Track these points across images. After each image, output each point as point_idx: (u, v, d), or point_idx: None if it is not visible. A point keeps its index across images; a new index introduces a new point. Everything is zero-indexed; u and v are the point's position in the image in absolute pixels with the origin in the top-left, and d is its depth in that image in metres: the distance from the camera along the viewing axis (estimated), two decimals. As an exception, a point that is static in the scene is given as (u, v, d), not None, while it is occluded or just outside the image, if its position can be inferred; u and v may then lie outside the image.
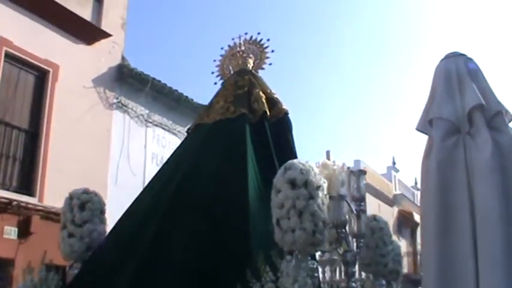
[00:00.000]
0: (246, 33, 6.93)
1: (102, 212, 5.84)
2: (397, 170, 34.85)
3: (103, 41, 14.55)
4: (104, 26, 14.58)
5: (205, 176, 5.41)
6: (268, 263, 4.23)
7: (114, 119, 14.71)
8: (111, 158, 14.38)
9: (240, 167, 5.36)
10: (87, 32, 14.06)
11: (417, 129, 3.92)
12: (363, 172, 6.22)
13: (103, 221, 5.81)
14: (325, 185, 4.65)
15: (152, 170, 15.57)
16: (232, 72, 6.68)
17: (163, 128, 16.44)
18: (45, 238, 11.76)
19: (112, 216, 13.34)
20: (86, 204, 5.64)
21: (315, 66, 54.35)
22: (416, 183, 40.07)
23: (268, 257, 4.27)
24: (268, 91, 6.38)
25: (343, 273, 5.80)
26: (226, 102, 6.14)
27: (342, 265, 5.67)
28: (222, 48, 6.97)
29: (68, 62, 13.38)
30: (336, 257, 5.48)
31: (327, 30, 57.68)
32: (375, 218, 6.39)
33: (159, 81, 16.00)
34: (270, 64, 6.77)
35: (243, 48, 6.85)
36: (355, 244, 5.73)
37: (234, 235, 4.75)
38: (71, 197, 5.73)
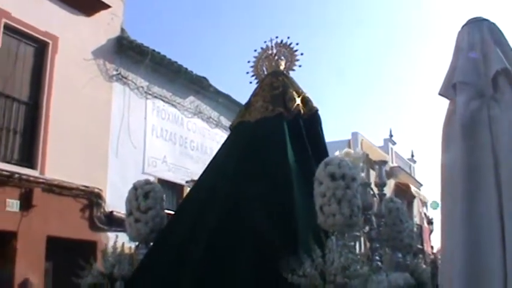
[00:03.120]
0: (276, 37, 7.50)
1: (163, 199, 6.57)
2: (394, 143, 34.92)
3: (102, 13, 14.42)
4: (103, -3, 14.45)
5: (253, 170, 6.09)
6: (313, 243, 5.00)
7: (114, 91, 14.64)
8: (112, 130, 14.35)
9: (282, 160, 6.11)
10: (86, 3, 13.92)
11: (440, 93, 3.91)
12: (384, 162, 7.43)
13: (163, 207, 6.54)
14: (358, 176, 5.46)
15: (152, 142, 15.68)
16: (265, 73, 7.35)
17: (162, 100, 16.41)
18: (47, 210, 11.88)
19: (115, 186, 13.51)
20: (149, 193, 6.38)
21: (315, 37, 54.09)
22: (412, 155, 40.25)
23: (313, 237, 5.13)
24: (300, 91, 7.04)
25: (362, 248, 6.30)
26: (265, 102, 6.82)
27: (361, 240, 6.41)
28: (255, 51, 7.57)
29: (67, 33, 13.27)
30: (357, 234, 5.90)
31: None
32: (392, 199, 7.32)
33: (159, 53, 15.93)
34: (300, 66, 7.38)
35: (274, 51, 7.47)
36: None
37: (283, 219, 5.46)
38: (135, 188, 6.46)
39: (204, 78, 17.68)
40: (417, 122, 70.64)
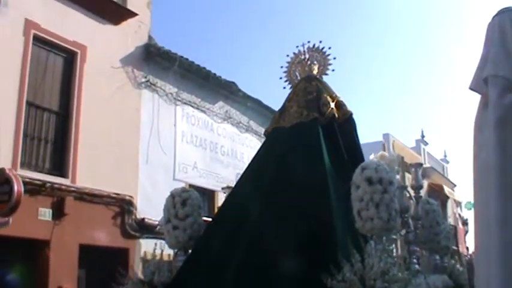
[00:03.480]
0: (308, 42, 7.53)
1: (200, 206, 6.66)
2: (426, 143, 34.57)
3: (129, 21, 14.50)
4: (130, 6, 14.52)
5: (291, 175, 6.12)
6: (351, 247, 5.01)
7: (143, 98, 14.69)
8: (142, 137, 14.40)
9: (318, 166, 6.14)
10: (113, 12, 14.03)
11: (470, 88, 3.79)
12: (419, 165, 7.50)
13: (201, 214, 6.65)
14: (395, 180, 5.52)
15: (182, 148, 15.69)
16: (299, 77, 7.36)
17: (192, 106, 16.41)
18: (79, 219, 11.94)
19: (145, 192, 13.53)
20: (187, 200, 6.49)
21: (344, 37, 53.95)
22: (445, 155, 39.82)
23: (351, 241, 5.16)
24: (334, 95, 7.05)
25: (399, 251, 6.26)
26: (300, 107, 6.83)
27: (397, 243, 6.34)
28: (287, 56, 7.55)
29: (95, 42, 13.39)
30: (394, 236, 5.87)
31: None
32: (428, 201, 7.27)
33: (187, 59, 15.94)
34: (333, 70, 7.39)
35: (307, 55, 7.46)
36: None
37: (321, 225, 5.47)
38: (172, 196, 6.58)
39: (233, 83, 17.66)
40: (449, 121, 69.98)
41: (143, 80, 14.74)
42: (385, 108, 64.08)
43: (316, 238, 5.38)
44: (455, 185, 38.87)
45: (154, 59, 15.16)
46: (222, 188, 8.18)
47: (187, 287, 5.88)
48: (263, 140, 18.80)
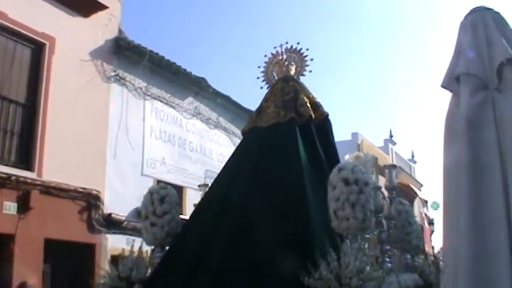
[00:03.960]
0: (286, 42, 7.55)
1: (177, 204, 6.68)
2: (394, 143, 34.86)
3: (100, 14, 14.32)
4: (100, -2, 14.32)
5: (268, 175, 6.19)
6: (328, 246, 5.04)
7: (112, 92, 14.52)
8: (110, 131, 14.23)
9: (295, 165, 6.19)
10: (83, 4, 13.80)
11: (442, 85, 3.81)
12: (394, 166, 7.56)
13: (178, 212, 6.64)
14: (371, 181, 5.58)
15: (151, 144, 15.56)
16: (276, 78, 7.41)
17: (161, 101, 16.29)
18: (44, 213, 11.74)
19: (113, 188, 13.41)
20: (165, 198, 6.48)
21: (313, 36, 54.00)
22: (413, 156, 40.22)
23: (327, 240, 5.13)
24: (311, 96, 7.11)
25: (371, 250, 6.34)
26: (277, 107, 6.90)
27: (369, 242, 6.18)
28: (265, 56, 7.61)
29: (64, 34, 13.16)
30: (367, 236, 5.92)
31: None
32: (400, 201, 7.31)
33: (157, 53, 15.82)
34: (310, 71, 7.42)
35: (284, 56, 7.50)
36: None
37: (298, 224, 5.54)
38: (151, 193, 6.55)
39: (203, 79, 17.56)
40: (417, 122, 70.67)
41: (112, 73, 14.57)
42: (354, 107, 64.48)
43: (293, 237, 5.43)
44: (422, 185, 39.28)
45: (124, 53, 15.00)
46: (199, 186, 8.14)
47: (164, 283, 5.89)
48: (232, 137, 19.06)
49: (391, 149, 34.09)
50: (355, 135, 28.30)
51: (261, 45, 54.29)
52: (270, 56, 7.62)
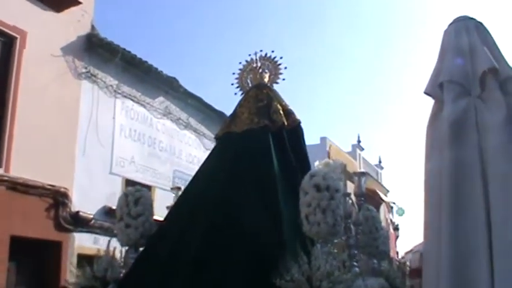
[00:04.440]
0: (261, 50, 7.77)
1: (152, 206, 6.82)
2: (361, 149, 35.09)
3: (72, 9, 14.13)
4: (73, -7, 14.18)
5: (241, 178, 6.38)
6: (299, 249, 5.34)
7: (82, 89, 14.35)
8: (79, 128, 14.06)
9: (268, 171, 6.43)
10: (56, -2, 13.65)
11: (425, 92, 3.86)
12: (363, 174, 7.75)
13: (152, 214, 6.76)
14: (341, 188, 5.85)
15: (120, 142, 15.45)
16: (250, 84, 7.61)
17: (132, 100, 16.18)
18: (10, 209, 11.57)
19: (81, 185, 13.29)
20: (139, 199, 6.62)
21: (283, 38, 54.22)
22: (380, 161, 40.53)
23: (299, 244, 5.47)
24: (283, 103, 7.32)
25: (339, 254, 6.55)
26: (251, 114, 7.10)
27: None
28: (240, 63, 7.80)
29: (36, 29, 12.95)
30: (335, 240, 6.12)
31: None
32: (368, 208, 7.48)
33: (129, 51, 15.70)
34: (284, 79, 7.64)
35: (259, 64, 7.70)
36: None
37: (270, 226, 5.77)
38: (126, 195, 6.72)
39: (174, 78, 17.50)
40: (385, 128, 71.27)
41: (83, 70, 14.41)
42: (323, 112, 64.78)
43: (265, 239, 5.62)
44: (388, 191, 39.62)
45: (96, 50, 14.85)
46: (172, 188, 8.42)
47: (139, 283, 5.98)
48: (202, 138, 19.01)
49: (359, 154, 34.32)
50: (323, 139, 28.42)
51: (236, 47, 54.35)
52: (244, 63, 7.79)
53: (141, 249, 6.59)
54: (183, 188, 8.03)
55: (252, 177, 6.38)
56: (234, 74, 7.75)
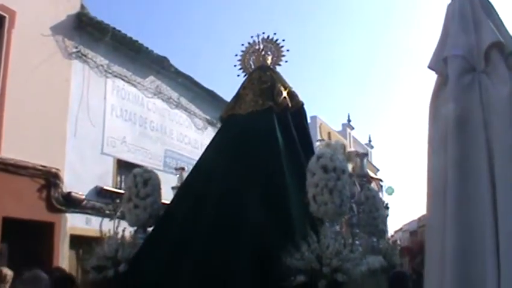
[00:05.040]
0: (263, 33, 7.93)
1: (160, 187, 6.97)
2: (352, 128, 35.11)
3: (61, -13, 13.97)
4: (62, -29, 13.98)
5: (248, 161, 6.48)
6: (307, 228, 5.49)
7: (73, 69, 14.23)
8: (70, 109, 13.96)
9: (274, 152, 6.57)
10: (44, -23, 13.46)
11: (429, 67, 3.81)
12: (365, 155, 8.65)
13: (160, 195, 6.96)
14: (347, 169, 6.00)
15: (111, 122, 15.34)
16: (253, 66, 7.77)
17: (123, 79, 16.07)
18: (2, 191, 11.47)
19: (72, 166, 13.19)
20: (148, 181, 6.81)
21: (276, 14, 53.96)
22: (370, 141, 40.62)
23: (307, 224, 5.60)
24: (287, 85, 7.50)
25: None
26: (255, 96, 7.26)
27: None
28: (242, 45, 7.96)
29: (25, 8, 12.78)
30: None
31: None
32: (368, 188, 8.07)
33: (120, 31, 15.58)
34: (286, 62, 7.80)
35: (261, 46, 7.87)
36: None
37: (278, 207, 5.88)
38: (134, 175, 6.88)
39: (165, 58, 17.41)
40: (375, 108, 71.45)
41: (74, 50, 14.27)
42: (314, 90, 64.80)
43: (274, 219, 5.74)
44: (378, 170, 39.75)
45: (86, 29, 14.71)
46: (175, 169, 8.63)
47: (149, 262, 6.08)
48: (192, 117, 18.91)
49: (349, 133, 34.35)
50: (314, 118, 28.36)
51: (227, 27, 54.10)
52: (247, 45, 7.94)
53: (149, 229, 6.78)
54: (186, 169, 8.25)
55: (257, 159, 6.49)
56: (236, 55, 7.88)
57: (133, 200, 6.74)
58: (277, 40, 7.83)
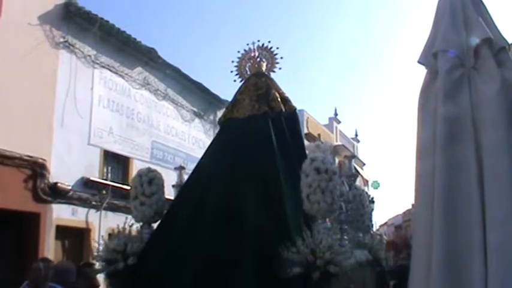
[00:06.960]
0: (258, 41, 8.35)
1: (163, 185, 7.37)
2: (338, 121, 35.20)
3: (49, -24, 13.88)
4: (50, -40, 13.88)
5: (245, 164, 6.89)
6: (302, 225, 5.91)
7: (60, 59, 14.17)
8: (57, 99, 13.91)
9: (269, 155, 7.01)
10: (32, -35, 13.35)
11: (419, 62, 3.85)
12: (353, 156, 9.62)
13: (164, 192, 7.36)
14: (337, 171, 6.45)
15: (98, 113, 15.29)
16: (248, 73, 8.17)
17: (110, 70, 16.02)
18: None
19: (59, 156, 13.12)
20: (153, 180, 7.24)
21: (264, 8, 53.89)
22: (356, 135, 40.75)
23: (301, 221, 5.99)
24: (280, 91, 7.94)
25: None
26: (252, 101, 7.69)
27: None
28: (238, 52, 8.34)
29: (12, -4, 12.68)
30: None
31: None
32: (356, 187, 8.48)
33: (108, 21, 15.51)
34: (280, 68, 8.22)
35: (256, 53, 8.26)
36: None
37: (274, 207, 6.36)
38: (140, 175, 7.31)
39: (153, 49, 17.35)
40: (361, 102, 71.71)
41: (61, 40, 14.22)
42: (301, 84, 64.89)
43: (271, 216, 6.26)
44: (364, 164, 39.90)
45: (73, 19, 14.64)
46: (175, 168, 8.87)
47: (157, 255, 6.47)
48: (180, 109, 18.87)
49: (336, 127, 34.43)
50: (301, 112, 28.33)
51: (216, 19, 53.98)
52: (243, 52, 8.31)
53: (154, 225, 7.22)
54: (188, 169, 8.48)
55: (254, 162, 6.92)
56: (233, 62, 8.29)
57: (139, 197, 7.16)
58: (271, 48, 8.23)
